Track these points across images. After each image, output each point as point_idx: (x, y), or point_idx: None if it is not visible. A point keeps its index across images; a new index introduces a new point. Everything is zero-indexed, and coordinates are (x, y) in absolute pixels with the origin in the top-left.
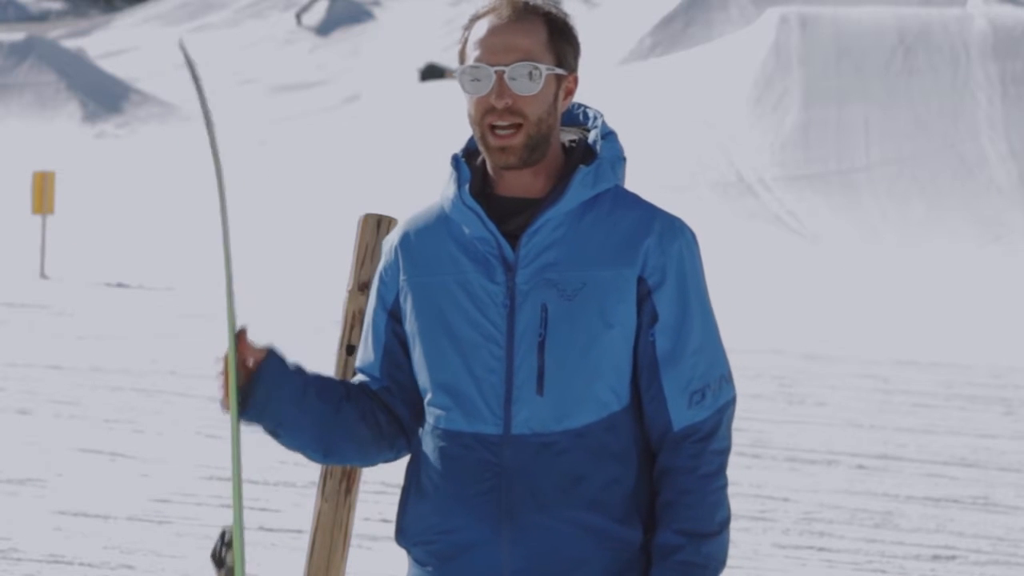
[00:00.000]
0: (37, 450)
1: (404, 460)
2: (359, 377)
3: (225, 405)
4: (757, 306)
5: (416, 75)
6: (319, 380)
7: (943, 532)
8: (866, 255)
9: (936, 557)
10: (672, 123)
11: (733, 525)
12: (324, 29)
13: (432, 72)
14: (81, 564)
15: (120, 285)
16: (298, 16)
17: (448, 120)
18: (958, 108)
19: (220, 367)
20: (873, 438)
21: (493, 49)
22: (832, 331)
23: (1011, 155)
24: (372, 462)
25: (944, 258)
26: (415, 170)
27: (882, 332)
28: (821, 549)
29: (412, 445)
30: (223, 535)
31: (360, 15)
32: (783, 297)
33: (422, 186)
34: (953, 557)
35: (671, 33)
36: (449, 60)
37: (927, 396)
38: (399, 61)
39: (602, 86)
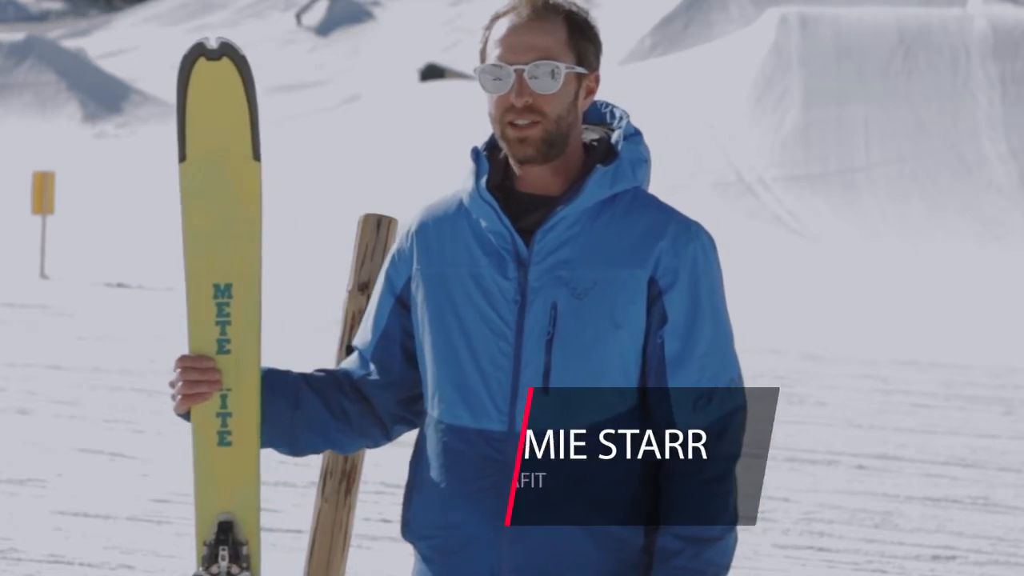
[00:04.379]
0: (37, 450)
1: (404, 457)
2: (348, 360)
3: (178, 410)
4: (757, 306)
5: (416, 75)
6: (271, 375)
7: (943, 532)
8: (866, 255)
9: (936, 557)
10: (672, 123)
11: None
12: (324, 29)
13: (432, 72)
14: (81, 564)
15: (120, 285)
16: (298, 16)
17: (448, 120)
18: (958, 108)
19: (175, 375)
20: (873, 438)
21: (513, 48)
22: (832, 331)
23: (1011, 155)
24: (346, 451)
25: (944, 258)
26: (415, 170)
27: (882, 332)
28: (821, 549)
29: (392, 435)
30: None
31: (360, 15)
32: (783, 297)
33: (422, 186)
34: (953, 557)
35: (671, 33)
36: (449, 60)
37: (927, 396)
38: (399, 61)
39: (602, 86)
